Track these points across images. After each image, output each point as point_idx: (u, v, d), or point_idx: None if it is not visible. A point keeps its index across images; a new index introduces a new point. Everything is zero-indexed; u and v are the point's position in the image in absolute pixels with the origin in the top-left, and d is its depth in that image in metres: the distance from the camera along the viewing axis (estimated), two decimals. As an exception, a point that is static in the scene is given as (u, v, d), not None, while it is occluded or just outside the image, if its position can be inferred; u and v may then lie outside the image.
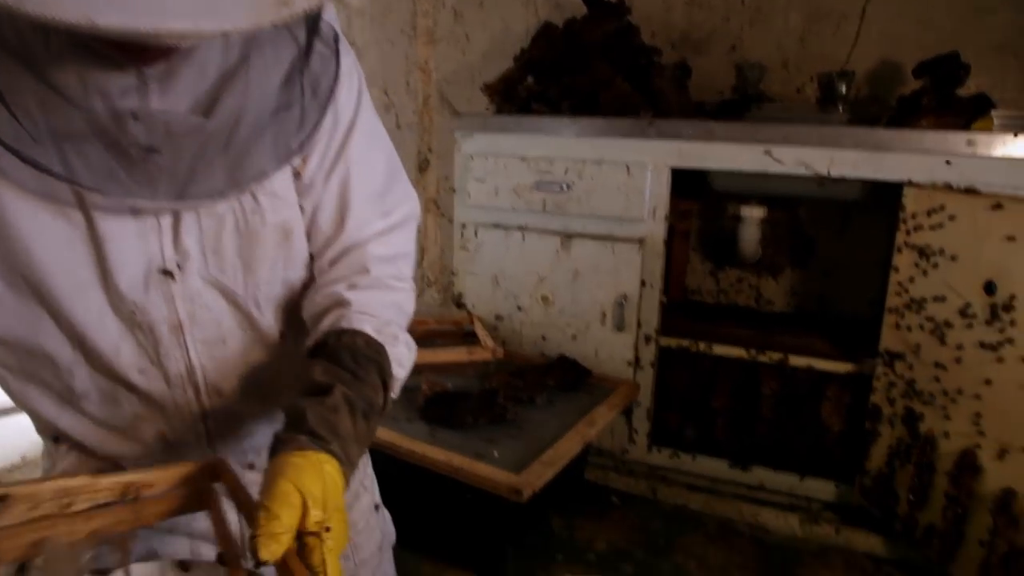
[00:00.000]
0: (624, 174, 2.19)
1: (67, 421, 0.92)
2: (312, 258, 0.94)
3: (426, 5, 3.15)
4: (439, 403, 1.96)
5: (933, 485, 1.87)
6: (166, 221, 0.81)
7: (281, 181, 0.86)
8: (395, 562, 1.36)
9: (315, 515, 0.66)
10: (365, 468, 1.23)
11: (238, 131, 0.73)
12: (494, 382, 2.06)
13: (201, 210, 0.82)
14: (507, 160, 2.35)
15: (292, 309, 0.94)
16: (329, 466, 0.70)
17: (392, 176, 0.97)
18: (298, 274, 0.93)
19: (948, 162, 1.91)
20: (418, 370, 2.24)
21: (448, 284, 3.26)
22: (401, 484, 1.63)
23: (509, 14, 3.02)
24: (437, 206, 3.29)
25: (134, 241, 0.80)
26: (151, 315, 0.85)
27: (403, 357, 0.91)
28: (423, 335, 2.46)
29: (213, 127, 0.71)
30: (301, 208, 0.90)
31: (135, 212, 0.79)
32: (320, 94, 0.79)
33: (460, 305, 2.52)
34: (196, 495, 0.82)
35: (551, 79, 2.44)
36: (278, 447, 0.71)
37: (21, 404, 0.91)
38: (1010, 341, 1.70)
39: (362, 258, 0.92)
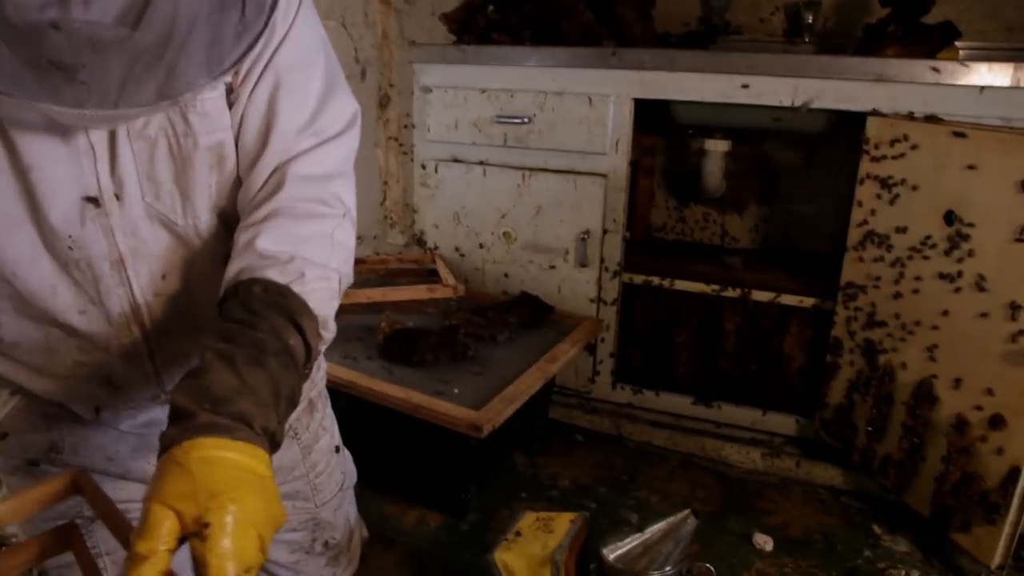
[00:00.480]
0: (586, 106, 2.14)
1: (2, 368, 0.88)
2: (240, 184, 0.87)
3: (383, -69, 3.02)
4: (399, 341, 1.93)
5: (891, 416, 1.89)
6: (100, 147, 0.76)
7: (213, 101, 0.81)
8: (356, 502, 1.36)
9: (191, 515, 0.58)
10: (324, 409, 1.21)
11: (170, 42, 0.66)
12: (455, 319, 2.04)
13: (132, 134, 0.77)
14: (466, 92, 2.28)
15: (230, 241, 0.87)
16: (199, 450, 0.61)
17: (329, 89, 0.89)
18: (233, 203, 0.88)
19: (912, 91, 1.88)
20: (378, 308, 2.22)
21: (411, 224, 3.20)
22: (361, 423, 1.61)
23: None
24: (399, 143, 3.20)
25: (67, 168, 0.75)
26: (89, 250, 0.80)
27: (317, 292, 0.81)
28: (384, 274, 2.43)
29: (141, 37, 0.64)
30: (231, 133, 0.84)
31: (64, 136, 0.73)
32: (262, 5, 0.72)
33: (422, 243, 2.47)
34: (61, 534, 0.76)
35: (511, 7, 2.35)
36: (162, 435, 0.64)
37: None
38: (966, 271, 1.70)
39: (282, 179, 0.84)
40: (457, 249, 2.40)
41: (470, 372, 1.88)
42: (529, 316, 2.11)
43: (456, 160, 2.35)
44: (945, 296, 1.74)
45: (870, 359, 1.94)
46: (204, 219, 0.86)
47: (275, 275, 0.78)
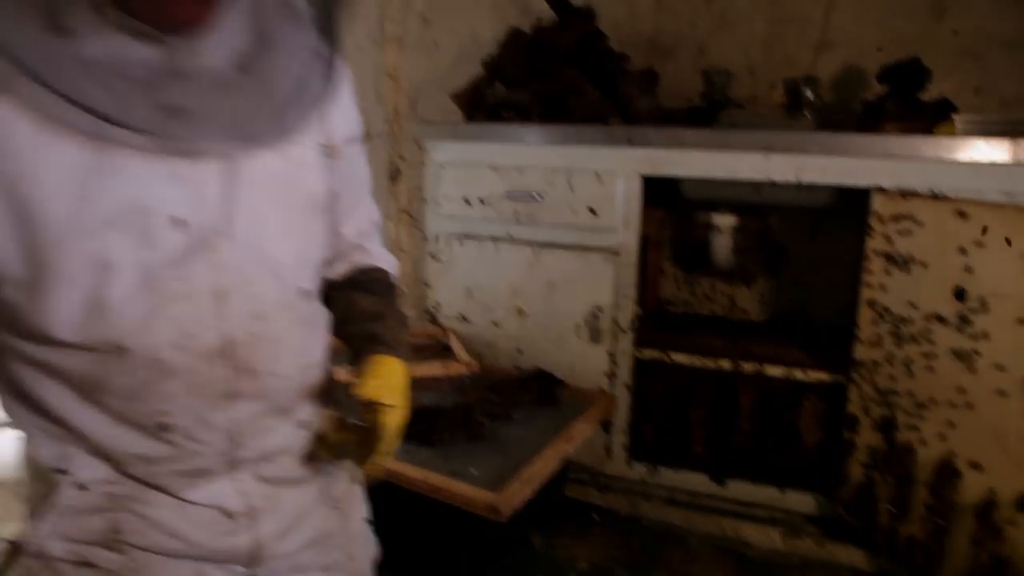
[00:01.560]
0: (595, 182, 2.18)
1: (85, 419, 0.87)
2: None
3: (394, 11, 3.11)
4: (415, 420, 1.90)
5: (912, 495, 1.87)
6: (212, 189, 0.82)
7: (314, 154, 0.92)
8: (375, 582, 1.34)
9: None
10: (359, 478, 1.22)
11: (273, 93, 0.83)
12: (470, 397, 2.03)
13: (241, 178, 0.84)
14: (478, 169, 2.32)
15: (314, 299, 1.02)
16: (401, 367, 0.98)
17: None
18: (322, 253, 1.00)
19: (913, 168, 1.92)
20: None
21: (421, 296, 3.22)
22: (378, 503, 1.59)
23: (478, 20, 2.99)
24: (410, 216, 3.24)
25: (179, 205, 0.80)
26: (194, 282, 0.84)
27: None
28: (395, 350, 2.43)
29: (250, 84, 0.81)
30: (327, 185, 0.96)
31: (179, 175, 0.80)
32: (334, 70, 0.91)
33: (434, 318, 2.48)
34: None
35: (520, 86, 2.42)
36: (364, 356, 0.97)
37: (29, 410, 0.87)
38: (982, 348, 1.71)
39: (372, 228, 1.12)
40: (469, 324, 2.41)
41: (487, 451, 1.87)
42: (543, 393, 2.11)
43: (467, 235, 2.38)
44: (960, 373, 1.75)
45: (888, 436, 1.94)
46: (297, 264, 0.94)
47: (388, 269, 1.13)
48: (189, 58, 0.76)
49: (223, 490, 0.95)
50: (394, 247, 3.27)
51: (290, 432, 0.99)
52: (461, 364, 2.22)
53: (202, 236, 0.83)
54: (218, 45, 0.79)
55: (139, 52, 0.74)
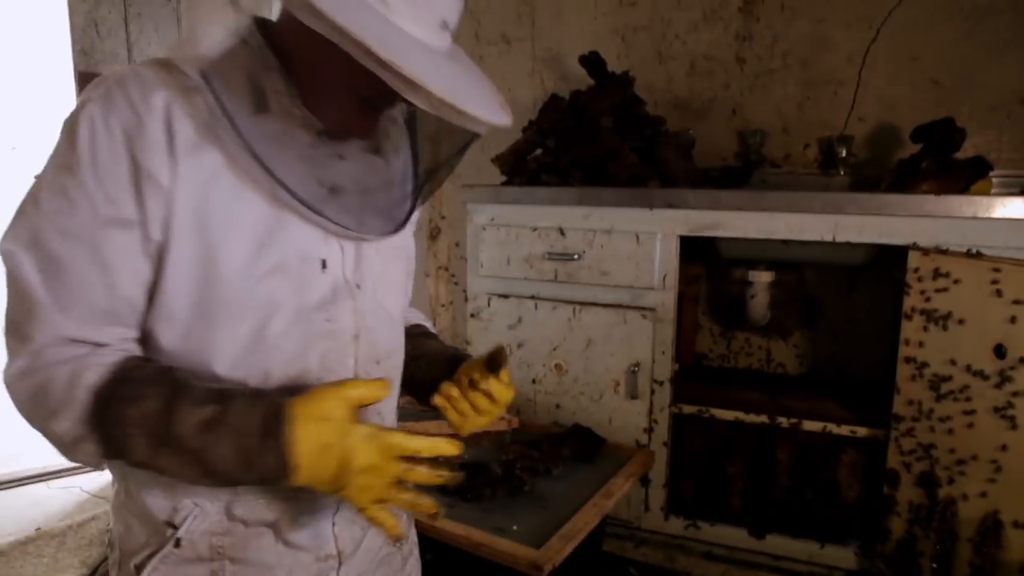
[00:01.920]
0: (634, 243, 2.24)
1: None
2: None
3: (434, 78, 3.24)
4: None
5: (956, 552, 1.86)
6: (348, 249, 0.98)
7: (411, 228, 1.10)
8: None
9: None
10: (411, 522, 1.29)
11: (398, 177, 1.01)
12: (511, 453, 2.07)
13: (382, 242, 1.02)
14: (518, 230, 2.40)
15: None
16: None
17: None
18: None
19: (950, 225, 1.94)
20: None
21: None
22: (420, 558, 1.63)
23: (516, 85, 3.11)
24: (449, 273, 3.33)
25: (327, 260, 0.96)
26: (339, 323, 0.97)
27: None
28: (438, 405, 2.48)
29: (394, 172, 0.99)
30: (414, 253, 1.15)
31: (327, 239, 0.95)
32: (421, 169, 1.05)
33: (474, 374, 2.54)
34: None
35: (560, 150, 2.50)
36: (456, 365, 1.12)
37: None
38: (1021, 405, 1.71)
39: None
40: (509, 380, 2.46)
41: (527, 507, 1.90)
42: (583, 449, 2.14)
43: (508, 295, 2.45)
44: (1001, 431, 1.75)
45: (929, 492, 1.93)
46: (400, 317, 1.10)
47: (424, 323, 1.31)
48: (347, 150, 0.93)
49: (323, 531, 1.01)
50: (433, 303, 3.36)
51: None
52: (502, 420, 2.26)
53: (344, 285, 0.97)
54: (366, 142, 0.97)
55: (319, 146, 0.91)
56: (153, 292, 0.87)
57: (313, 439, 0.81)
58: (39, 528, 2.78)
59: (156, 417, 0.80)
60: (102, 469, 0.90)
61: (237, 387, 0.89)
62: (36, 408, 0.83)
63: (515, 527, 1.80)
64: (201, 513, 0.93)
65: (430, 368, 1.15)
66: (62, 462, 3.20)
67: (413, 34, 0.84)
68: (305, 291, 0.93)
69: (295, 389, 0.86)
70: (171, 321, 0.88)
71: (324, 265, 0.95)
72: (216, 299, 0.88)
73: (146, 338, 0.89)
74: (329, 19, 0.74)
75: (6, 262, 0.83)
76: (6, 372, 0.84)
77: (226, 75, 0.84)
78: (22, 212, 0.84)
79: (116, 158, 0.82)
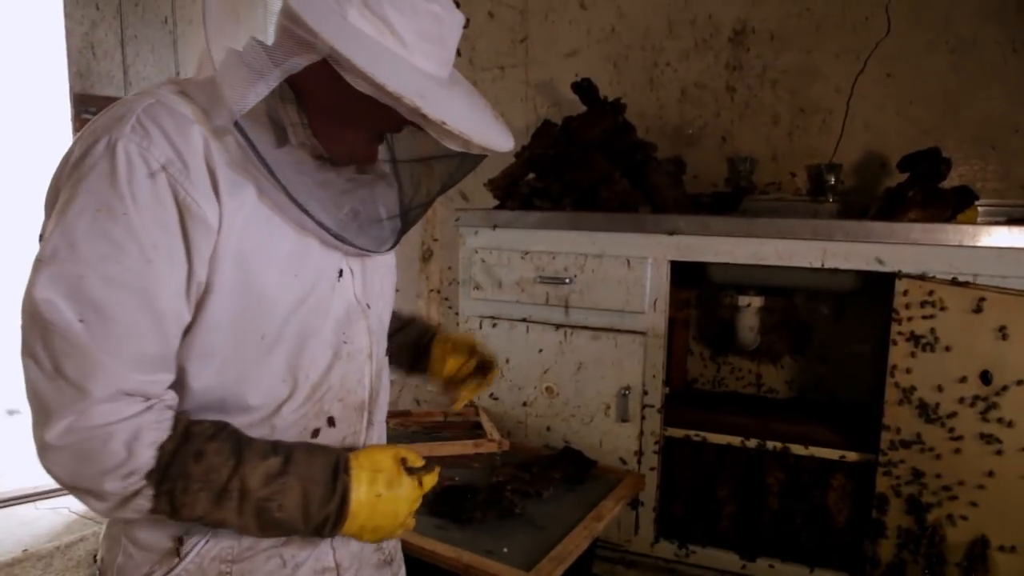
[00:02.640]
0: (624, 268, 2.26)
1: None
2: None
3: (428, 103, 3.27)
4: (447, 498, 1.97)
5: (943, 577, 1.87)
6: (357, 272, 1.03)
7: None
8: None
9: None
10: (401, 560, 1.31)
11: (413, 199, 1.07)
12: (501, 475, 2.07)
13: (371, 265, 1.07)
14: (510, 254, 2.42)
15: None
16: None
17: None
18: None
19: (936, 253, 1.97)
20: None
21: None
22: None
23: (509, 111, 3.15)
24: (441, 295, 3.35)
25: (340, 286, 1.00)
26: (356, 343, 1.02)
27: None
28: (431, 427, 2.49)
29: (388, 195, 1.05)
30: None
31: (337, 263, 1.00)
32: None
33: (465, 396, 2.55)
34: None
35: (552, 175, 2.53)
36: (431, 338, 1.38)
37: None
38: (1008, 431, 1.73)
39: None
40: (500, 402, 2.47)
41: (518, 530, 1.89)
42: (573, 471, 2.14)
43: (500, 317, 2.46)
44: (987, 457, 1.77)
45: (918, 516, 1.94)
46: (388, 327, 1.16)
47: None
48: (353, 174, 1.00)
49: (325, 549, 1.03)
50: (428, 325, 3.36)
51: None
52: (492, 442, 2.27)
53: (356, 306, 1.02)
54: (372, 168, 1.04)
55: (327, 171, 0.95)
56: (188, 331, 0.87)
57: (368, 487, 0.89)
58: (26, 549, 2.75)
59: (221, 472, 0.82)
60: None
61: (289, 441, 0.93)
62: (84, 467, 0.80)
63: (505, 549, 1.80)
64: (213, 538, 0.94)
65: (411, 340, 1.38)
66: (49, 482, 3.17)
67: (430, 71, 0.90)
68: (328, 315, 0.97)
69: (345, 451, 0.92)
70: (207, 358, 0.89)
71: (342, 288, 0.99)
72: (255, 332, 0.90)
73: (177, 376, 0.89)
74: (371, 78, 0.80)
75: (46, 314, 0.78)
76: (47, 432, 0.79)
77: (250, 112, 0.83)
78: (55, 258, 0.79)
79: (160, 199, 0.81)
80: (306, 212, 0.89)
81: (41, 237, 0.85)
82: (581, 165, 2.45)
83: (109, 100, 2.80)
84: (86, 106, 2.79)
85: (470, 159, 1.03)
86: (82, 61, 2.77)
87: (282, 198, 0.88)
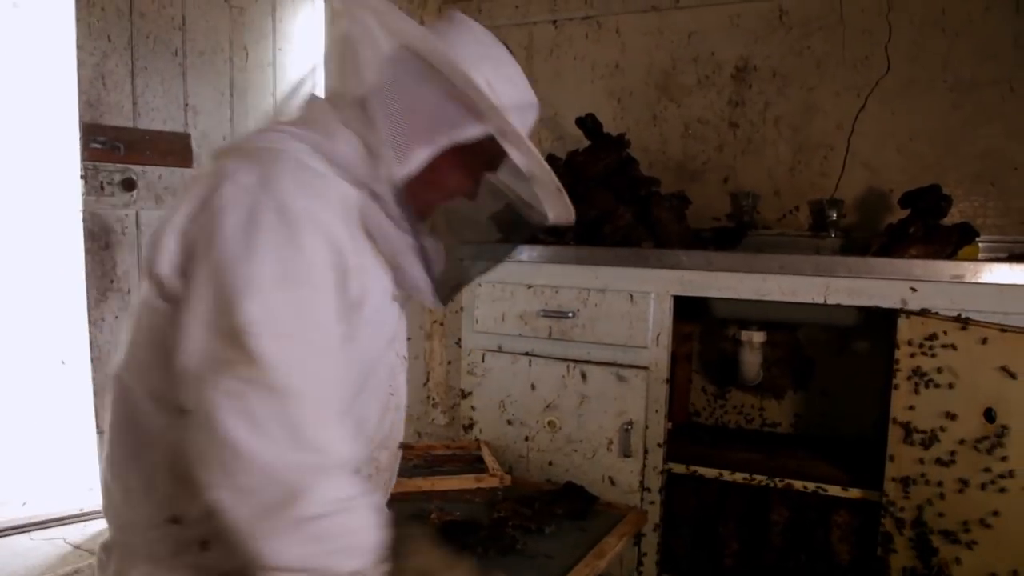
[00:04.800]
0: (628, 302, 2.26)
1: None
2: None
3: (433, 136, 3.31)
4: (449, 533, 1.95)
5: (950, 619, 1.85)
6: (401, 325, 1.11)
7: None
8: None
9: None
10: None
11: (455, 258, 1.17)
12: (502, 511, 2.06)
13: (404, 312, 1.15)
14: (513, 287, 2.43)
15: None
16: None
17: None
18: None
19: (938, 290, 1.97)
20: (428, 497, 2.25)
21: (453, 405, 3.29)
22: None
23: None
24: (444, 328, 3.35)
25: (387, 338, 1.08)
26: (399, 397, 1.12)
27: None
28: (433, 460, 2.47)
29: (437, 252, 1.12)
30: None
31: (393, 318, 1.09)
32: None
33: (467, 429, 2.54)
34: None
35: (555, 209, 2.54)
36: None
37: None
38: (1012, 468, 1.73)
39: None
40: (502, 436, 2.46)
41: (519, 565, 1.88)
42: (575, 507, 2.13)
43: (502, 350, 2.46)
44: (993, 496, 1.76)
45: (923, 556, 1.92)
46: None
47: None
48: (423, 241, 1.05)
49: None
50: (428, 358, 3.37)
51: None
52: (494, 477, 2.25)
53: (398, 360, 1.10)
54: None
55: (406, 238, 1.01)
56: None
57: None
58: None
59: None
60: None
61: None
62: (324, 550, 0.83)
63: (511, 586, 1.78)
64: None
65: None
66: (45, 512, 3.16)
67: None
68: (384, 368, 1.06)
69: None
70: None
71: (394, 343, 1.08)
72: (351, 388, 0.97)
73: None
74: (534, 155, 0.98)
75: (278, 393, 0.80)
76: (284, 519, 0.81)
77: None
78: (250, 332, 0.80)
79: (336, 263, 0.87)
80: (427, 269, 1.00)
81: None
82: (585, 200, 2.46)
83: (118, 130, 2.83)
84: (95, 135, 2.81)
85: (530, 227, 1.18)
86: (92, 91, 2.80)
87: (409, 256, 0.97)
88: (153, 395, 0.90)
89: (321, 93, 1.06)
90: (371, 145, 0.89)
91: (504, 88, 0.99)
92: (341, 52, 0.97)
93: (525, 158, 0.98)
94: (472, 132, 0.93)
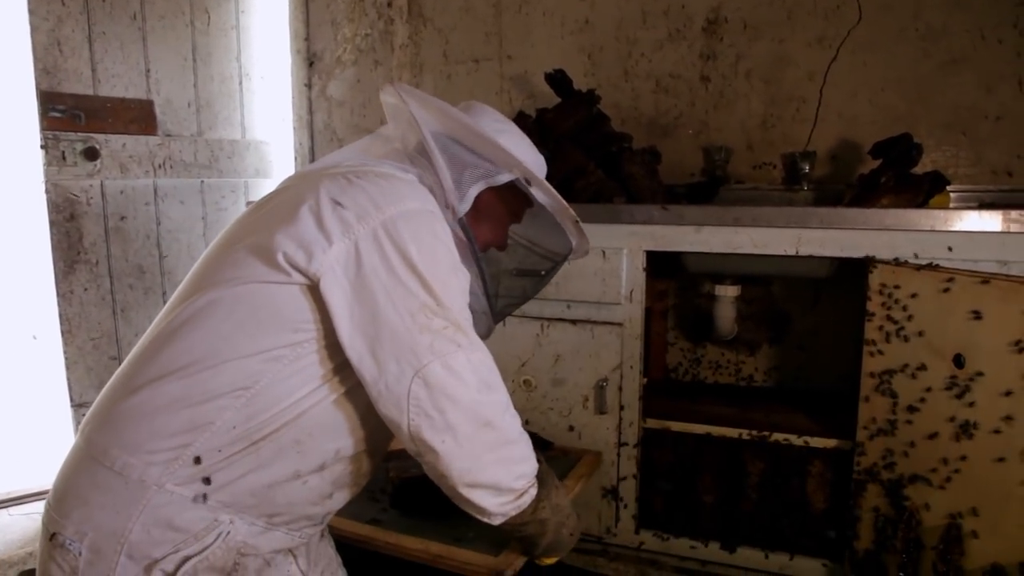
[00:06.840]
0: (600, 259, 2.25)
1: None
2: None
3: (402, 97, 3.25)
4: (407, 490, 1.94)
5: (921, 562, 1.88)
6: None
7: None
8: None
9: None
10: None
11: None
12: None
13: None
14: (486, 247, 2.40)
15: None
16: None
17: None
18: None
19: (909, 239, 1.97)
20: (387, 456, 2.23)
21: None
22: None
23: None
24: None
25: None
26: None
27: None
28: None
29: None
30: None
31: None
32: None
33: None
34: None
35: (526, 168, 2.51)
36: None
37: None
38: (979, 414, 1.74)
39: None
40: (478, 396, 2.45)
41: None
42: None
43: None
44: (962, 440, 1.78)
45: (894, 502, 1.95)
46: None
47: None
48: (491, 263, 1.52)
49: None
50: (406, 320, 3.34)
51: None
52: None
53: None
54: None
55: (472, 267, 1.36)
56: None
57: None
58: (-2, 556, 2.71)
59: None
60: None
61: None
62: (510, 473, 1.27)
63: (471, 535, 1.78)
64: (234, 525, 1.15)
65: None
66: (23, 488, 3.13)
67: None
68: None
69: None
70: None
71: None
72: None
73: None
74: (555, 195, 1.49)
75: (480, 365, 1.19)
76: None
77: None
78: (446, 307, 1.15)
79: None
80: (486, 294, 1.38)
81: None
82: (555, 157, 2.43)
83: (78, 98, 2.76)
84: (53, 103, 2.74)
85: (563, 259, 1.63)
86: (48, 58, 2.72)
87: (474, 281, 1.32)
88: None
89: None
90: (442, 184, 1.27)
91: (520, 151, 1.41)
92: (408, 122, 1.33)
93: (546, 195, 1.46)
94: (504, 178, 1.34)
